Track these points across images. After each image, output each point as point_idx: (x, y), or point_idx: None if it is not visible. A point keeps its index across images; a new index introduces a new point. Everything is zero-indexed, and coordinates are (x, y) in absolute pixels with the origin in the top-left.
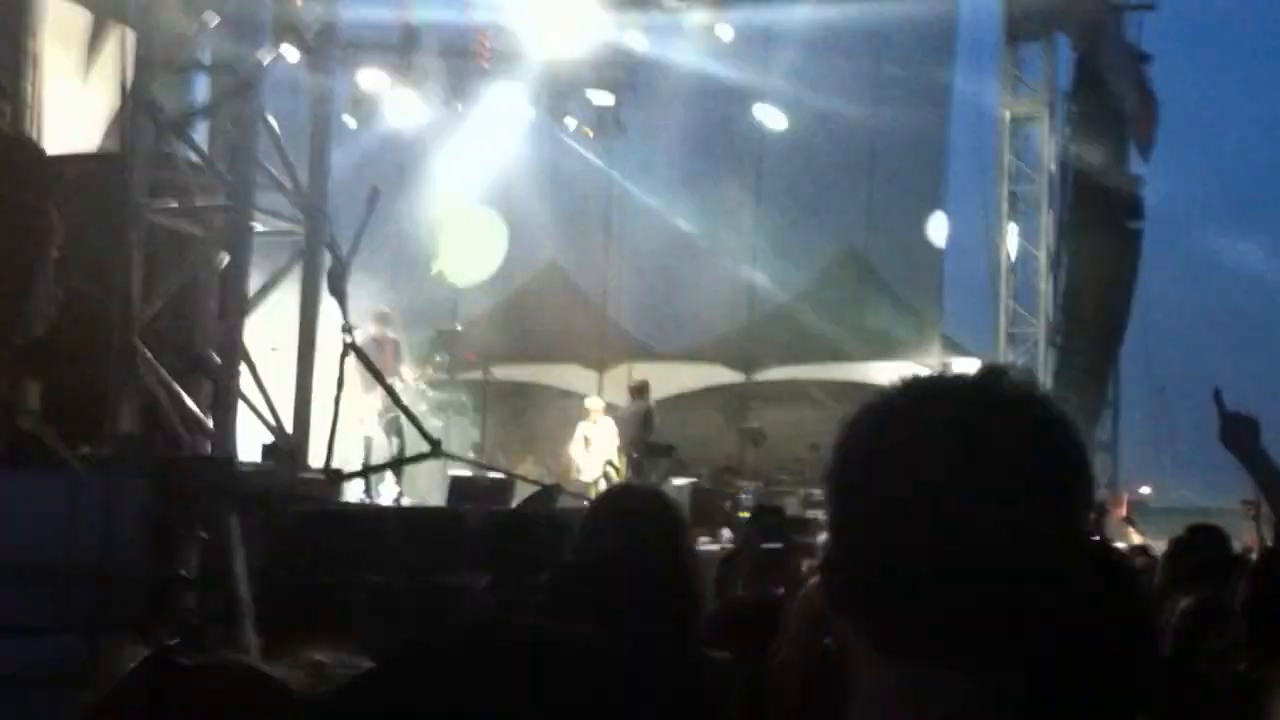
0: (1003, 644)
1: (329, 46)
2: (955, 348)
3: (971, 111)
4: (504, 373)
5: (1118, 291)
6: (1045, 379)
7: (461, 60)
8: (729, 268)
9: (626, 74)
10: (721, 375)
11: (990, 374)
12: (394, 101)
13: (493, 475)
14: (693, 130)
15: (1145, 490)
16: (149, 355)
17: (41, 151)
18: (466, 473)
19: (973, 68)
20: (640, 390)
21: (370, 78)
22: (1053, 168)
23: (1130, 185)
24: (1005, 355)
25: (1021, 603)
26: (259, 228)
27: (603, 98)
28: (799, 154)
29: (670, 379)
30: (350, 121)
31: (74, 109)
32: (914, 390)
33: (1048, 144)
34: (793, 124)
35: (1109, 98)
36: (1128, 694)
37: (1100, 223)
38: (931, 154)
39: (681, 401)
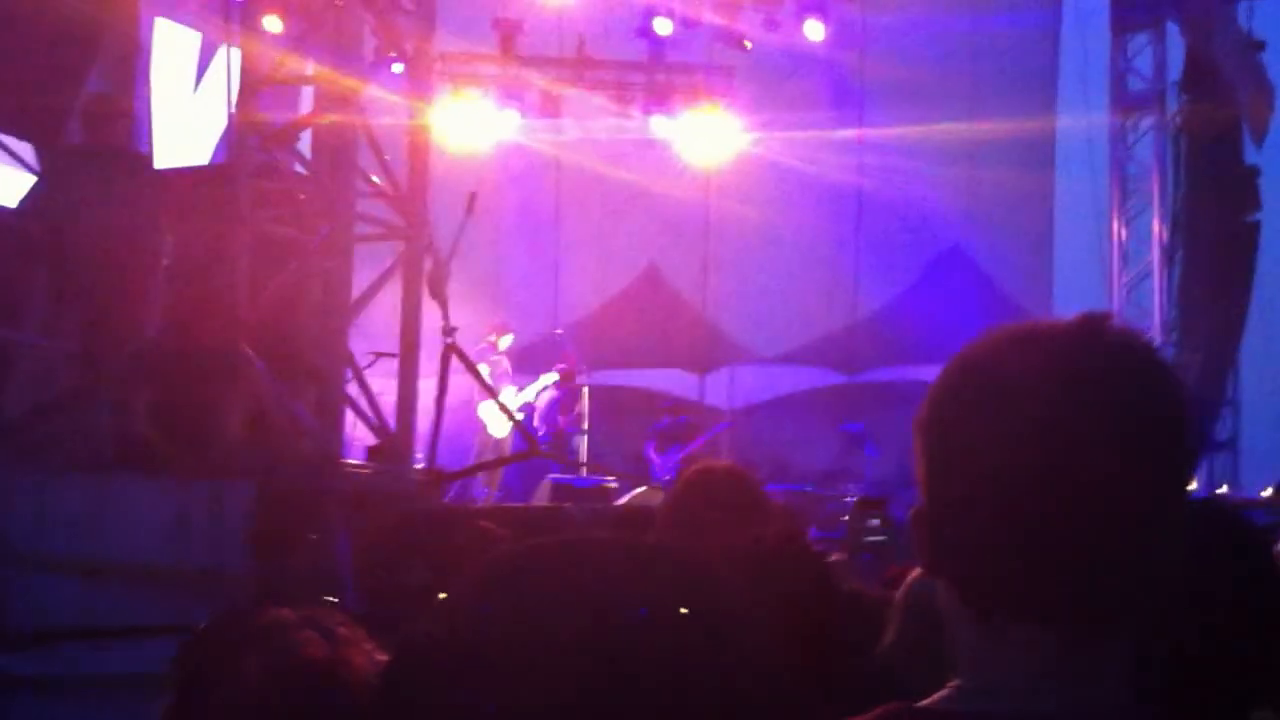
0: (1099, 606)
1: (428, 57)
2: None
3: (1078, 105)
4: (605, 377)
5: (1235, 286)
6: None
7: (558, 68)
8: (830, 268)
9: (723, 79)
10: (824, 377)
11: (1092, 321)
12: (491, 110)
13: (594, 476)
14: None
15: (1267, 491)
16: (256, 360)
17: (151, 165)
18: (568, 476)
19: (1079, 60)
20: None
21: (468, 87)
22: (1164, 160)
23: (1246, 177)
24: None
25: (1116, 562)
26: (362, 232)
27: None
28: (900, 151)
29: (772, 381)
30: (448, 129)
31: (185, 124)
32: (1012, 336)
33: (1159, 136)
34: (893, 123)
35: (1222, 87)
36: (1252, 669)
37: (1215, 216)
38: (1037, 149)
39: (783, 404)
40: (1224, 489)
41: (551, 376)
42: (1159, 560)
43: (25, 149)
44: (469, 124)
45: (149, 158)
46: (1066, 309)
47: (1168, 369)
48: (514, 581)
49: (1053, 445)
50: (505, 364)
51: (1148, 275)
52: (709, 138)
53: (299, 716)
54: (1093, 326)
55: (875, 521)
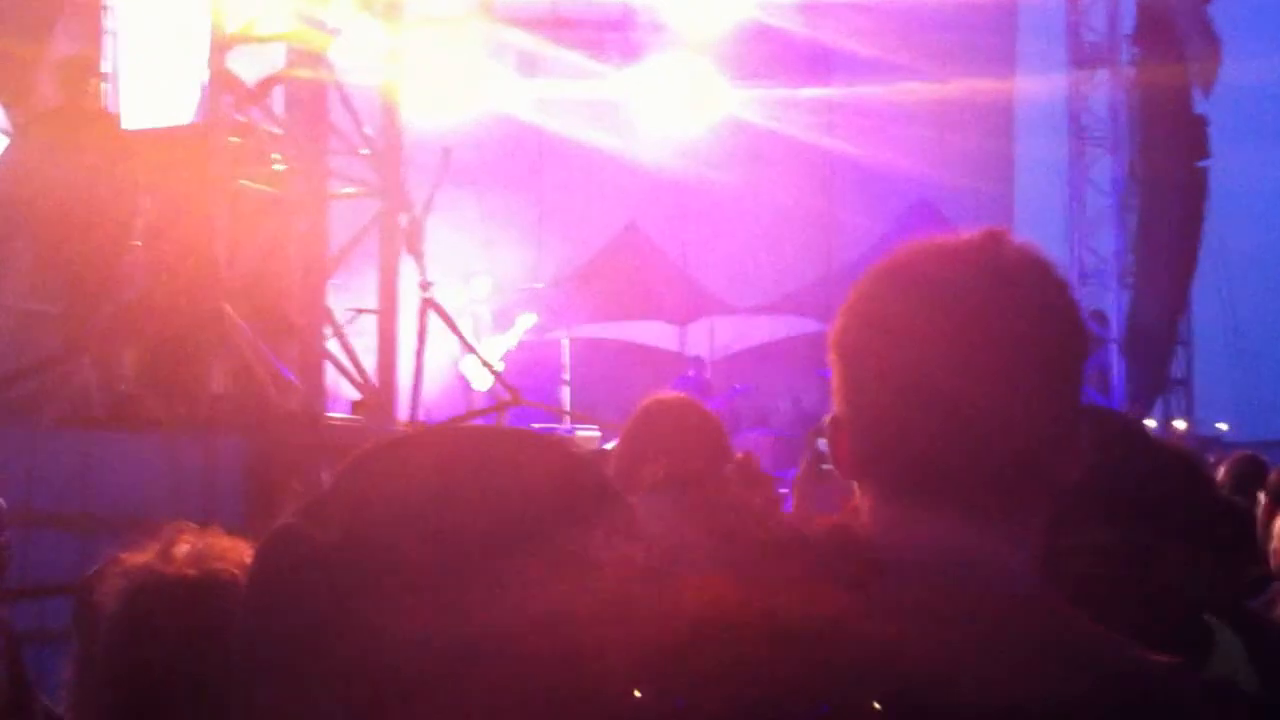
0: (1007, 490)
1: (399, 11)
2: None
3: (1037, 61)
4: (586, 331)
5: (1187, 231)
6: (1118, 319)
7: (534, 28)
8: (804, 221)
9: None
10: (802, 325)
11: (990, 238)
12: (468, 71)
13: (576, 426)
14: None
15: (1222, 426)
16: (237, 318)
17: (119, 125)
18: (552, 426)
19: (1036, 18)
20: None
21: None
22: (1119, 111)
23: (1196, 125)
24: (1078, 296)
25: (1018, 448)
26: (349, 190)
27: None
28: (870, 110)
29: (751, 332)
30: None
31: (158, 83)
32: (918, 249)
33: (1113, 88)
34: (863, 82)
35: (1173, 40)
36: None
37: (1167, 164)
38: (999, 101)
39: (762, 352)
40: (1180, 424)
41: (529, 318)
42: (1057, 448)
43: None
44: (446, 85)
45: (117, 117)
46: None
47: (1060, 276)
48: (373, 471)
49: (956, 340)
50: (485, 313)
51: (1105, 222)
52: (683, 96)
53: (151, 630)
54: (993, 237)
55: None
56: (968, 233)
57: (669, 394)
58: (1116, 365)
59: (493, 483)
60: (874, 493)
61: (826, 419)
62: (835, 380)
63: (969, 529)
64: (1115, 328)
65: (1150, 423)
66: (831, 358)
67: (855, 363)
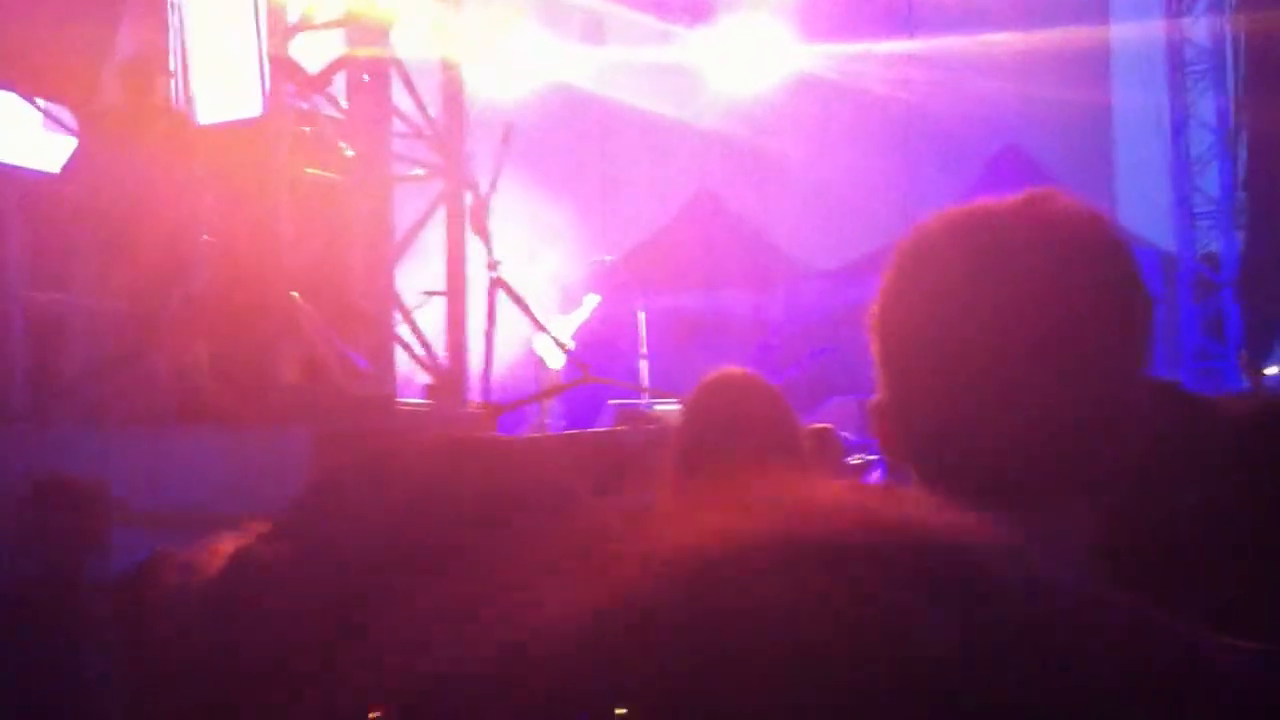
0: (1057, 475)
1: None
2: (1132, 236)
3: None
4: (662, 302)
5: None
6: (1230, 260)
7: None
8: (885, 174)
9: None
10: None
11: (1034, 195)
12: (531, 41)
13: (655, 400)
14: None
15: None
16: (307, 307)
17: (188, 122)
18: (631, 400)
19: None
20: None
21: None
22: (1223, 42)
23: None
24: (1188, 239)
25: (1073, 444)
26: (415, 172)
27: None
28: (951, 52)
29: (836, 293)
30: (487, 64)
31: (222, 76)
32: (952, 217)
33: (1214, 17)
34: (943, 26)
35: None
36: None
37: (1277, 95)
38: (1093, 40)
39: (849, 315)
40: None
41: (594, 299)
42: (1116, 428)
43: (63, 112)
44: (509, 57)
45: (187, 114)
46: (1130, 198)
47: (1116, 236)
48: (326, 494)
49: (991, 319)
50: (552, 290)
51: (1212, 159)
52: (752, 55)
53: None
54: (1034, 199)
55: None
56: (1010, 196)
57: (731, 369)
58: (1230, 310)
59: (454, 494)
60: (917, 476)
61: (869, 404)
62: (877, 366)
63: (1008, 519)
64: (1227, 270)
65: (1272, 369)
66: (872, 344)
67: (896, 347)
